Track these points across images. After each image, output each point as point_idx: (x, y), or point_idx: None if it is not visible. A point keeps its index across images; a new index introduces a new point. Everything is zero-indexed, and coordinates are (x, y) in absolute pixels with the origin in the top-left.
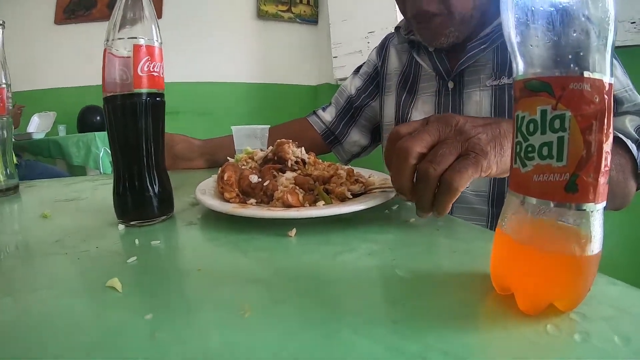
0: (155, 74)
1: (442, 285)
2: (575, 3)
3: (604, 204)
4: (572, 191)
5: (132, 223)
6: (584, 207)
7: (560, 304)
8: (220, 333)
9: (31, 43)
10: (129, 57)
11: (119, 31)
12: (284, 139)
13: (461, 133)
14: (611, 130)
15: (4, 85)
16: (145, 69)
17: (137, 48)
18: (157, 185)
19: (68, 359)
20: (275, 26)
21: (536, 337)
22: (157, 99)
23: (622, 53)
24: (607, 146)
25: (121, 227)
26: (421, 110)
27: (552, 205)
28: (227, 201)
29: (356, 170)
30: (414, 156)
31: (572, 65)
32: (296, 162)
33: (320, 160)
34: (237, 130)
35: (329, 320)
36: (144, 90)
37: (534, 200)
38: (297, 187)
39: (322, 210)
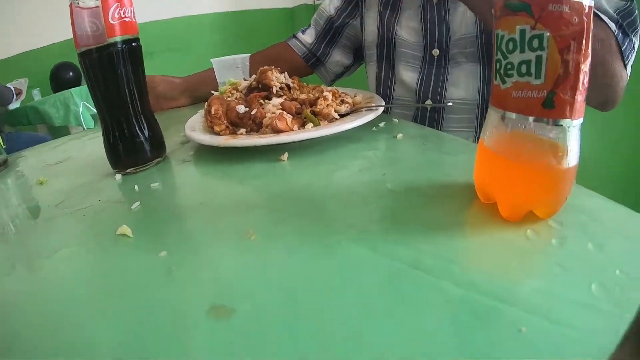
0: (127, 19)
1: (430, 196)
2: None
3: (580, 120)
4: (549, 107)
5: (127, 171)
6: (561, 123)
7: (539, 212)
8: (231, 258)
9: None
10: (97, 6)
11: None
12: (266, 67)
13: None
14: (589, 50)
15: None
16: (116, 15)
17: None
18: (146, 129)
19: (97, 307)
20: None
21: (517, 241)
22: (133, 44)
23: None
24: (585, 66)
25: (118, 176)
26: (406, 26)
27: (530, 120)
28: (218, 134)
29: (341, 90)
30: None
31: None
32: (281, 88)
33: (304, 84)
34: (217, 62)
35: (327, 234)
36: (119, 38)
37: (513, 115)
38: (285, 112)
39: (311, 132)
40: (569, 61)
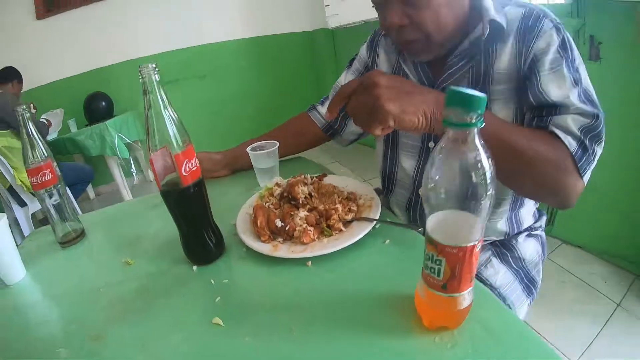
0: (194, 168)
1: (392, 300)
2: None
3: (469, 290)
4: (445, 289)
5: (201, 264)
6: (453, 295)
7: (447, 325)
8: (283, 342)
9: (16, 43)
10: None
11: (158, 150)
12: (294, 180)
13: (374, 87)
14: (471, 266)
15: (50, 157)
16: (187, 169)
17: (177, 158)
18: (213, 237)
19: None
20: None
21: (426, 341)
22: (198, 184)
23: (618, 10)
24: (469, 273)
25: (194, 267)
26: None
27: (434, 291)
28: (263, 242)
29: (347, 189)
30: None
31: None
32: (305, 197)
33: (323, 183)
34: (252, 155)
35: (328, 333)
36: (190, 184)
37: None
38: (308, 226)
39: (323, 250)
40: (455, 272)
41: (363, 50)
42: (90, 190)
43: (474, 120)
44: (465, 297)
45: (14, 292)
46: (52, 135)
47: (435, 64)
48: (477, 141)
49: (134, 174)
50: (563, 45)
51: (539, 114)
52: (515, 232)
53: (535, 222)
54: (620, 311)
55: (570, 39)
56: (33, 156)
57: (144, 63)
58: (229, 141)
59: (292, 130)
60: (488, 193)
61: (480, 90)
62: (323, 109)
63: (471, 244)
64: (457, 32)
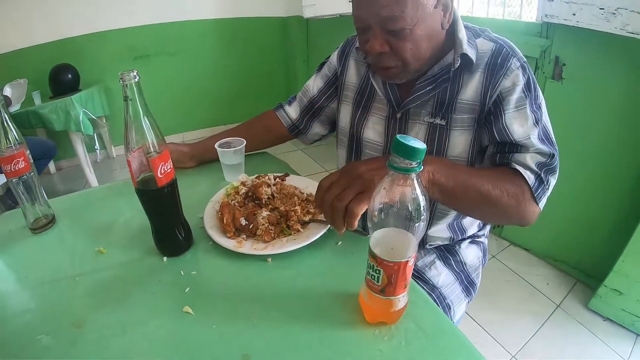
0: (168, 170)
1: (341, 301)
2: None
3: (403, 294)
4: (383, 293)
5: (171, 256)
6: (389, 298)
7: (386, 321)
8: (246, 328)
9: None
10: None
11: (135, 150)
12: (258, 182)
13: (359, 177)
14: (406, 273)
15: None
16: (162, 171)
17: (154, 161)
18: (182, 231)
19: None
20: None
21: (368, 334)
22: (172, 185)
23: (587, 36)
24: (403, 281)
25: (164, 259)
26: (372, 128)
27: (374, 294)
28: (228, 238)
29: (307, 190)
30: (330, 203)
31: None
32: (268, 198)
33: (285, 184)
34: (220, 152)
35: (285, 322)
36: (165, 184)
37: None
38: (270, 225)
39: (282, 248)
40: (391, 280)
41: (334, 57)
42: (51, 165)
43: (413, 166)
44: (400, 300)
45: None
46: (15, 107)
47: (403, 84)
48: (415, 181)
49: (97, 150)
50: (528, 85)
51: (502, 150)
52: (459, 238)
53: (479, 231)
54: (559, 312)
55: (534, 78)
56: (6, 143)
57: (115, 37)
58: (195, 119)
59: (259, 127)
60: (422, 218)
61: (443, 116)
62: (290, 111)
63: (405, 259)
64: (430, 59)
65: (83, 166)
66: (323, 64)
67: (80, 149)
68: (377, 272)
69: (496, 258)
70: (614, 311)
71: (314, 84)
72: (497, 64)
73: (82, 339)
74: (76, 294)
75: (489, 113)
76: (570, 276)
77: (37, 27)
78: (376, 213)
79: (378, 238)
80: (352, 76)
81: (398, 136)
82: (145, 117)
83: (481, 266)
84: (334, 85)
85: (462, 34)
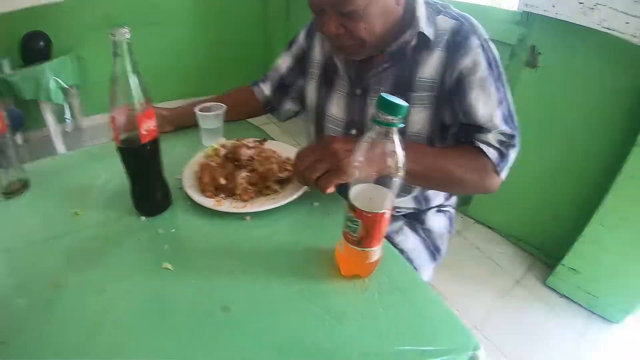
0: (152, 127)
1: (317, 257)
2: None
3: (378, 246)
4: (359, 244)
5: (149, 216)
6: (365, 249)
7: (360, 274)
8: (225, 282)
9: None
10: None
11: (121, 107)
12: (237, 143)
13: (333, 155)
14: (382, 231)
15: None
16: (146, 129)
17: (138, 118)
18: (161, 190)
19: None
20: None
21: (344, 284)
22: (154, 143)
23: (565, 28)
24: (379, 233)
25: (142, 218)
26: (336, 105)
27: (351, 245)
28: (207, 197)
29: (285, 153)
30: (303, 175)
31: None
32: (247, 159)
33: (264, 147)
34: (200, 115)
35: (264, 276)
36: (148, 142)
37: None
38: (249, 185)
39: (260, 207)
40: (368, 231)
41: (301, 36)
42: (18, 138)
43: (395, 121)
44: (376, 252)
45: None
46: None
47: (364, 61)
48: (395, 137)
49: (68, 120)
50: (489, 63)
51: (465, 130)
52: (425, 208)
53: (445, 201)
54: (518, 287)
55: (497, 57)
56: None
57: (91, 4)
58: (172, 90)
59: (236, 99)
60: (399, 174)
61: (402, 94)
62: (264, 85)
63: (382, 211)
64: (389, 36)
65: (52, 137)
66: (291, 42)
67: (49, 118)
68: (355, 223)
69: (462, 235)
70: (569, 289)
71: (283, 62)
72: (456, 42)
73: (60, 299)
74: (52, 256)
75: (451, 92)
76: (531, 255)
77: None
78: (357, 166)
79: (358, 191)
80: (317, 54)
81: (382, 94)
82: (133, 75)
83: (447, 233)
84: (302, 62)
85: (421, 12)
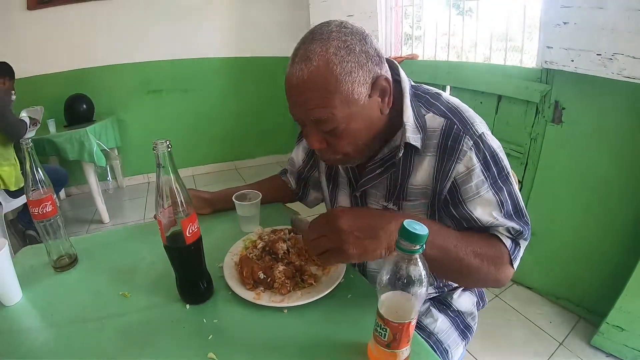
0: (195, 229)
1: (350, 351)
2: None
3: (406, 347)
4: (389, 347)
5: (193, 304)
6: (394, 351)
7: None
8: None
9: (4, 32)
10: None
11: (166, 208)
12: (275, 238)
13: (338, 232)
14: (408, 335)
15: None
16: (190, 231)
17: (183, 222)
18: (204, 282)
19: None
20: (253, 2)
21: None
22: (197, 243)
23: (586, 80)
24: (406, 337)
25: (188, 306)
26: (343, 203)
27: (381, 347)
28: (247, 290)
29: None
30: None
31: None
32: (284, 253)
33: (299, 238)
34: (238, 204)
35: None
36: (192, 242)
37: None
38: (286, 279)
39: (297, 301)
40: (396, 337)
41: None
42: (61, 191)
43: (417, 248)
44: (404, 352)
45: (12, 314)
46: (31, 134)
47: (359, 165)
48: (418, 259)
49: (109, 181)
50: (486, 164)
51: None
52: (447, 290)
53: None
54: (562, 350)
55: (494, 150)
56: (34, 186)
57: (130, 70)
58: (204, 155)
59: (270, 186)
60: (423, 286)
61: (394, 203)
62: (288, 178)
63: (407, 320)
64: (376, 143)
65: (94, 195)
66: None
67: (92, 178)
68: (384, 330)
69: (499, 297)
70: (616, 347)
71: (297, 156)
72: (447, 147)
73: None
74: (103, 337)
75: (446, 201)
76: (572, 313)
77: (55, 56)
78: (383, 283)
79: (384, 301)
80: None
81: (405, 222)
82: (175, 183)
83: (476, 309)
84: (313, 156)
85: (407, 115)
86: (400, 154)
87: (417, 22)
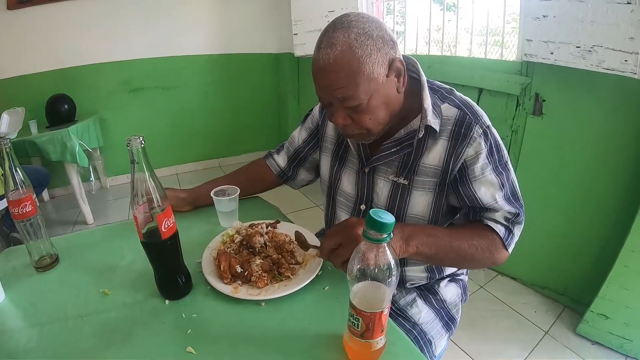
0: (171, 224)
1: (327, 342)
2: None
3: (380, 337)
4: (362, 337)
5: (172, 299)
6: (368, 341)
7: None
8: None
9: None
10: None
11: (141, 205)
12: (252, 232)
13: (355, 240)
14: (381, 320)
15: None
16: (165, 226)
17: (158, 217)
18: (183, 277)
19: None
20: None
21: None
22: (174, 237)
23: (566, 73)
24: (379, 327)
25: (167, 301)
26: (347, 180)
27: (355, 337)
28: (225, 283)
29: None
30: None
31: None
32: (260, 247)
33: (277, 232)
34: (216, 200)
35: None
36: (168, 237)
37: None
38: (263, 272)
39: (274, 294)
40: (369, 326)
41: (316, 110)
42: (44, 193)
43: (384, 237)
44: (379, 342)
45: None
46: (13, 135)
47: (373, 142)
48: (386, 248)
49: (92, 181)
50: (491, 151)
51: (473, 211)
52: (437, 277)
53: (457, 270)
54: (547, 338)
55: (498, 141)
56: (14, 186)
57: (112, 69)
58: (188, 153)
59: (250, 175)
60: (392, 275)
61: (406, 177)
62: (279, 159)
63: (379, 310)
64: (394, 121)
65: (77, 196)
66: (307, 116)
67: (74, 179)
68: (357, 320)
69: (484, 288)
70: (601, 335)
71: (299, 135)
72: (460, 133)
73: None
74: (84, 334)
75: (455, 180)
76: (557, 303)
77: (35, 56)
78: (354, 273)
79: (356, 292)
80: (330, 129)
81: (371, 211)
82: (150, 179)
83: (461, 302)
84: (316, 136)
85: (427, 103)
86: (420, 135)
87: (400, 16)
